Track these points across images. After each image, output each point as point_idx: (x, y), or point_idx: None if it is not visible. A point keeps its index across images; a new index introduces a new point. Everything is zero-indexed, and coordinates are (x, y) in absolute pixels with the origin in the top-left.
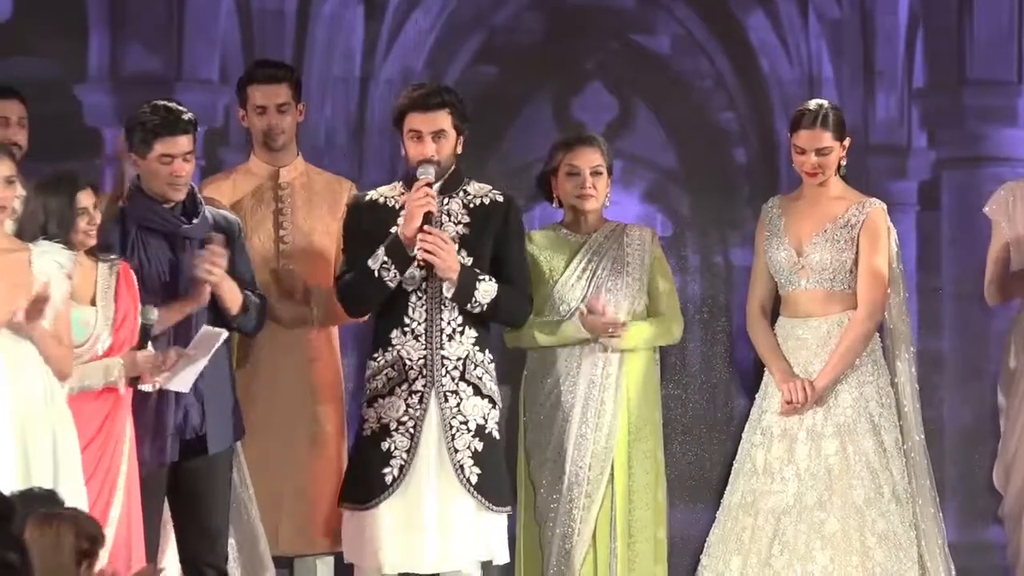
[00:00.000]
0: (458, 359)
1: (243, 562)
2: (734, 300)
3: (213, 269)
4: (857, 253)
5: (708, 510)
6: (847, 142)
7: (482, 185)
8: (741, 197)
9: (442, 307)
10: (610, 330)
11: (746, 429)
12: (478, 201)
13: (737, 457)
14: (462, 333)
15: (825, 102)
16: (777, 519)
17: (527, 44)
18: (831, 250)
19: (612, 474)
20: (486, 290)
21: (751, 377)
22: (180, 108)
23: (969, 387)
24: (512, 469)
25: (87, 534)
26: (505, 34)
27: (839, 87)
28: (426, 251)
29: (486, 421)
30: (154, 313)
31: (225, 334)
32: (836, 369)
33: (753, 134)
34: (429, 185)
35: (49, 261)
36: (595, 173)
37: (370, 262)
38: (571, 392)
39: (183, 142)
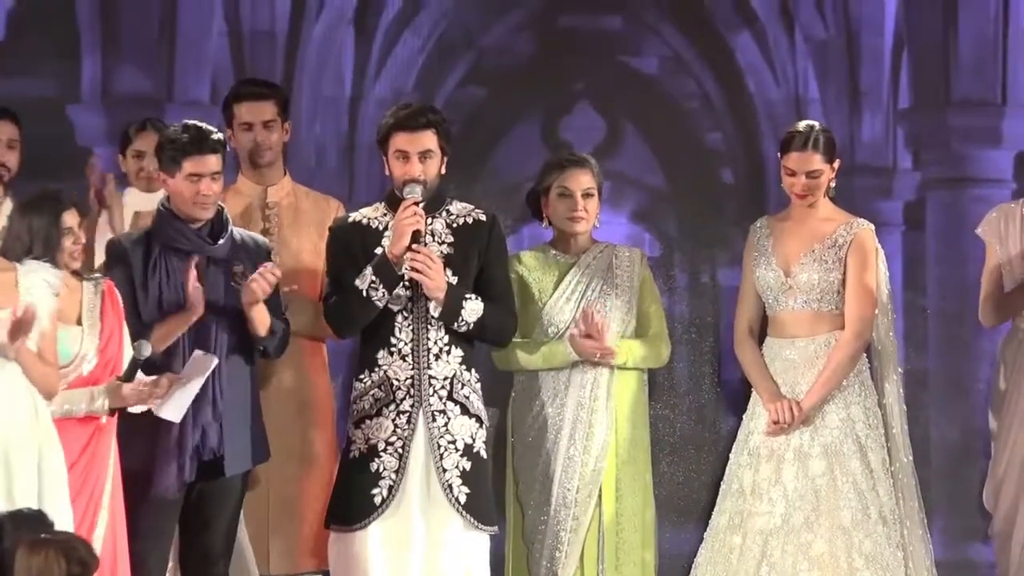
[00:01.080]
0: (445, 378)
1: None
2: (722, 320)
3: (266, 288)
4: (845, 273)
5: (696, 530)
6: (837, 164)
7: (465, 204)
8: (728, 217)
9: (428, 327)
10: (597, 356)
11: (733, 449)
12: (461, 220)
13: (724, 478)
14: (449, 352)
15: (816, 124)
16: (765, 540)
17: (516, 65)
18: (819, 270)
19: (600, 496)
20: (472, 308)
21: (739, 397)
22: (209, 128)
23: (954, 406)
24: (500, 489)
25: (78, 558)
26: (494, 55)
27: (825, 108)
28: (415, 269)
29: (474, 440)
30: (147, 348)
31: (216, 361)
32: (823, 389)
33: (740, 154)
34: (416, 204)
35: (36, 280)
36: (587, 195)
37: (357, 282)
38: (559, 414)
39: (212, 161)
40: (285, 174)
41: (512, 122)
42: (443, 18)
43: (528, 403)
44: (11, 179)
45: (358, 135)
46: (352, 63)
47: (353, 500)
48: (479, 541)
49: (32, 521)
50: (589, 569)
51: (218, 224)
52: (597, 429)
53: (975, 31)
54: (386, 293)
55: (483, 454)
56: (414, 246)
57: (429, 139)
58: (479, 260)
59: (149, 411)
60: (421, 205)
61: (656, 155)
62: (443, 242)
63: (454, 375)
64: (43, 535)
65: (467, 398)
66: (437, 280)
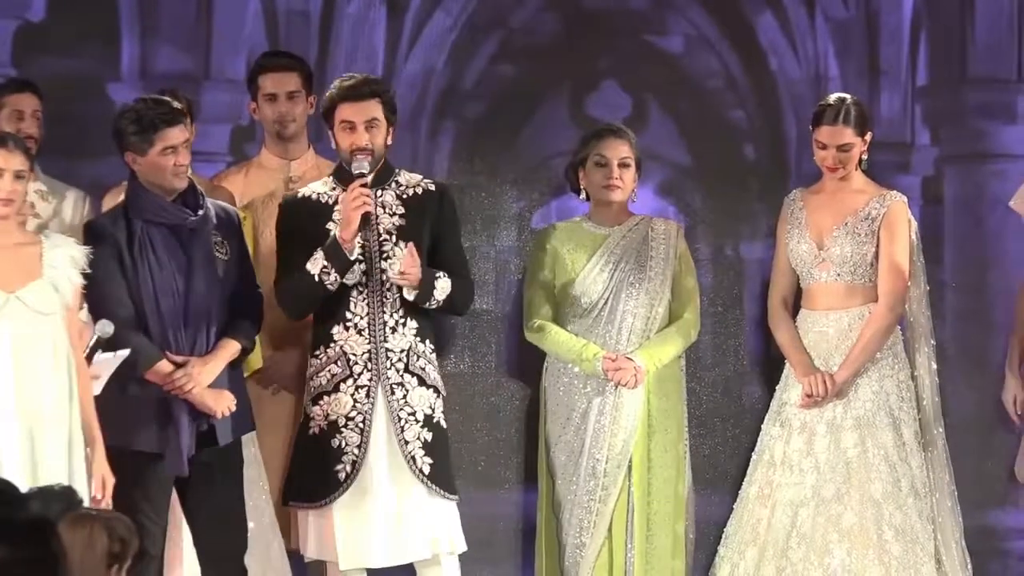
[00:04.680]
0: (401, 351)
1: (253, 564)
2: (745, 292)
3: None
4: (878, 246)
5: (723, 501)
6: (869, 136)
7: (414, 175)
8: (751, 192)
9: (384, 300)
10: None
11: (765, 421)
12: (411, 191)
13: (756, 448)
14: (404, 325)
15: (848, 97)
16: (795, 511)
17: (544, 44)
18: (852, 243)
19: (630, 468)
20: (442, 287)
21: (764, 369)
22: (168, 99)
23: (971, 378)
24: (532, 458)
25: (119, 537)
26: (523, 34)
27: (845, 85)
28: (402, 273)
29: (433, 411)
30: (110, 327)
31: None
32: (856, 362)
33: (762, 131)
34: (365, 185)
35: (61, 254)
36: (623, 165)
37: (309, 266)
38: (590, 384)
39: (182, 131)
40: (309, 147)
41: (540, 100)
42: None
43: (560, 372)
44: (36, 152)
45: None
46: (384, 42)
47: (317, 477)
48: (446, 509)
49: (61, 497)
50: (617, 540)
51: (191, 196)
52: (626, 401)
53: (991, 9)
54: (338, 277)
55: (443, 423)
56: (404, 248)
57: (374, 108)
58: (431, 230)
59: (149, 394)
60: (370, 177)
61: (681, 132)
62: (394, 214)
63: (410, 347)
64: (88, 510)
65: (423, 369)
66: (421, 275)
